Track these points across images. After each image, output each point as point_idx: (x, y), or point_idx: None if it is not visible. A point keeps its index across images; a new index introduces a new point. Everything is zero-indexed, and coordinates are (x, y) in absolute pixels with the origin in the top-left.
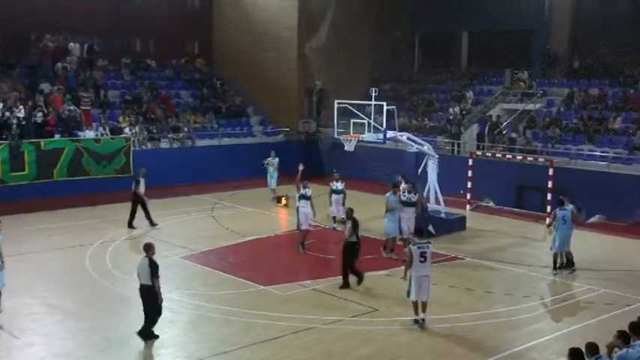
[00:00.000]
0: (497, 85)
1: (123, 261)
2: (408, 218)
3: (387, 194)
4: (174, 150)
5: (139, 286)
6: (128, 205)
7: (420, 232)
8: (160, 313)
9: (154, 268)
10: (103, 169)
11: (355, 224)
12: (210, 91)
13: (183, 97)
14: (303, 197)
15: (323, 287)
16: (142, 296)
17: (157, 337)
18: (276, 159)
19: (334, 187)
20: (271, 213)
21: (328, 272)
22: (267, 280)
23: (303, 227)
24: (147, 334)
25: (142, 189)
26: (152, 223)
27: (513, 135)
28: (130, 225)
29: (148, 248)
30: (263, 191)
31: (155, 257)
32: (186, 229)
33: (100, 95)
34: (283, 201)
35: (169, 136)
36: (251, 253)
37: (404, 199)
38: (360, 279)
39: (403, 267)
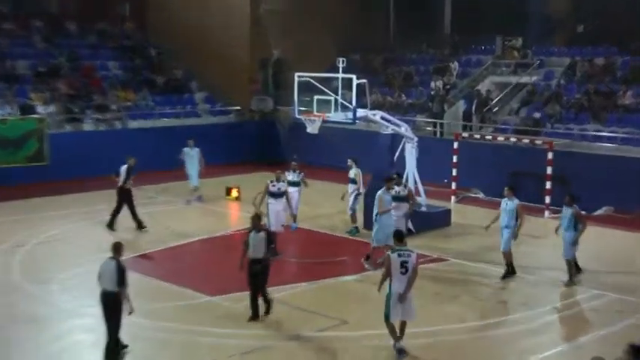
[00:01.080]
0: (487, 54)
1: (35, 270)
2: (399, 217)
3: (380, 192)
4: (99, 133)
5: (100, 293)
6: (40, 201)
7: (400, 235)
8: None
9: (121, 273)
10: (11, 156)
11: (270, 238)
12: (144, 62)
13: (110, 68)
14: (275, 194)
15: (283, 296)
16: (104, 305)
17: (126, 346)
18: (196, 149)
19: (289, 179)
20: (219, 208)
21: (290, 279)
22: (216, 290)
23: (273, 228)
24: (112, 347)
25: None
26: (140, 225)
27: (536, 115)
28: (111, 226)
29: (117, 248)
30: (208, 182)
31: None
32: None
33: (5, 66)
34: (234, 193)
35: (94, 116)
36: (196, 256)
37: (393, 193)
38: (269, 306)
39: (376, 271)
